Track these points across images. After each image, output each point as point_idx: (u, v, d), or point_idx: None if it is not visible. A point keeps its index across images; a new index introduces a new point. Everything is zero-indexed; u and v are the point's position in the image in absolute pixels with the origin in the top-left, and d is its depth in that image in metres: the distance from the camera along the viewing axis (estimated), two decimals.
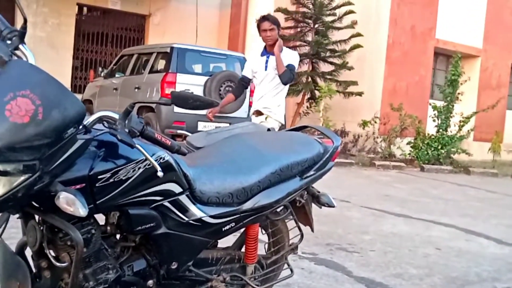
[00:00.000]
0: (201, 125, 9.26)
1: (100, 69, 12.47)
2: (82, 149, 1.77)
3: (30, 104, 1.61)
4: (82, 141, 1.75)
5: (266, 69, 5.20)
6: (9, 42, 1.88)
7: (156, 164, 1.88)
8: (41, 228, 1.87)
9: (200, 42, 14.70)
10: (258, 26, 5.25)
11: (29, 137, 1.59)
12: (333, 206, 2.66)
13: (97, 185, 1.83)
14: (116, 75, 10.91)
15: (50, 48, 13.07)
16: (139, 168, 1.93)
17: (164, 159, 2.01)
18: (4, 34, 1.90)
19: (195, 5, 15.65)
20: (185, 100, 1.97)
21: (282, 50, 5.17)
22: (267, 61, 5.21)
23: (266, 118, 5.23)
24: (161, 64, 9.83)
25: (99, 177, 1.83)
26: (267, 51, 5.24)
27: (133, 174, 1.91)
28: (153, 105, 9.18)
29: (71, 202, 1.68)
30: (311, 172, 2.51)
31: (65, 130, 1.66)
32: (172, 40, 12.67)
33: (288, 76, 5.10)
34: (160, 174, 1.88)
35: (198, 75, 9.55)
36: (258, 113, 5.33)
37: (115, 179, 1.87)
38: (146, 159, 1.90)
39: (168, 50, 9.50)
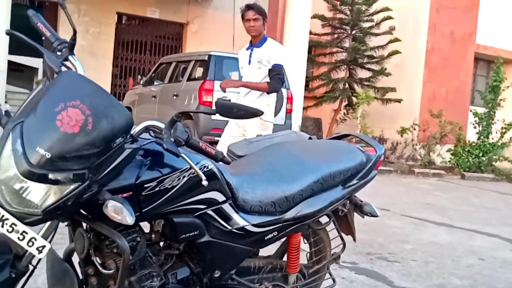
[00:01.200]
0: None
1: (139, 77, 12.66)
2: (130, 158, 1.79)
3: (80, 114, 1.64)
4: (129, 150, 1.78)
5: (249, 63, 4.72)
6: (59, 53, 1.93)
7: (200, 173, 1.89)
8: (89, 235, 1.91)
9: (236, 49, 14.77)
10: (242, 16, 4.80)
11: (79, 146, 1.62)
12: (377, 216, 2.63)
13: (143, 193, 1.85)
14: (155, 83, 11.06)
15: (90, 57, 13.34)
16: (183, 177, 1.94)
17: (208, 167, 2.02)
18: (54, 46, 1.95)
19: (232, 13, 15.74)
20: (229, 109, 1.98)
21: (265, 42, 4.69)
22: (251, 55, 4.73)
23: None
24: (199, 71, 9.92)
25: (146, 185, 1.85)
26: (252, 43, 4.78)
27: (178, 183, 1.93)
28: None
29: (118, 211, 1.71)
30: (354, 181, 2.49)
31: (114, 140, 1.69)
32: (209, 47, 12.76)
33: (274, 86, 4.64)
34: (205, 183, 1.89)
35: None
36: None
37: (161, 188, 1.89)
38: (191, 168, 1.92)
39: (206, 58, 9.58)
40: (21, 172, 1.60)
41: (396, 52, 13.21)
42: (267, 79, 4.68)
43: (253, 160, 2.48)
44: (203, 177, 1.89)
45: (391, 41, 13.39)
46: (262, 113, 2.04)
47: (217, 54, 9.56)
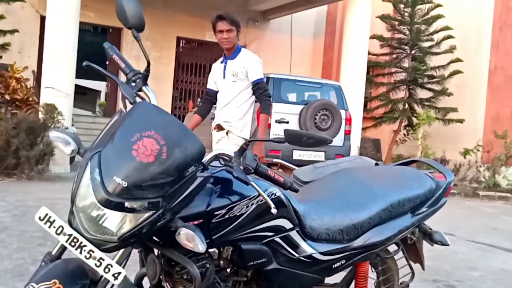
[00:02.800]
0: (296, 154, 9.28)
1: (198, 99, 12.91)
2: (201, 186, 1.82)
3: (155, 144, 1.69)
4: (201, 179, 1.80)
5: (224, 77, 4.37)
6: (133, 84, 1.99)
7: (269, 200, 1.90)
8: (160, 261, 1.94)
9: (294, 70, 14.86)
10: (214, 27, 4.39)
11: (154, 175, 1.66)
12: (447, 245, 2.55)
13: (213, 221, 1.88)
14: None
15: (152, 80, 13.50)
16: (252, 204, 1.95)
17: (275, 195, 2.02)
18: (129, 77, 2.02)
19: (289, 35, 15.89)
20: (298, 138, 1.98)
21: (239, 53, 4.36)
22: (225, 68, 4.38)
23: (227, 133, 4.43)
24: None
25: (216, 213, 1.88)
26: (226, 56, 4.42)
27: (247, 210, 1.94)
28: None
29: (191, 238, 1.73)
30: (423, 209, 2.43)
31: (186, 169, 1.73)
32: (267, 69, 12.84)
33: (266, 108, 4.33)
34: (274, 211, 1.89)
35: (293, 104, 9.61)
36: (219, 127, 4.52)
37: (230, 215, 1.91)
38: (259, 195, 1.92)
39: (264, 80, 9.64)
40: (99, 200, 1.65)
41: (457, 72, 12.92)
42: (245, 96, 4.34)
43: (320, 186, 2.47)
44: (272, 205, 1.89)
45: (452, 61, 13.11)
46: (331, 140, 2.03)
47: (275, 76, 9.63)
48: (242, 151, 1.91)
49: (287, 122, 9.23)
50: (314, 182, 2.53)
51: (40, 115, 8.60)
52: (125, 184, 1.64)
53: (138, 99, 1.94)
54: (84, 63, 2.04)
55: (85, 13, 10.48)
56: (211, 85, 4.60)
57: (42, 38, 12.75)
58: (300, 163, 9.17)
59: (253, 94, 4.32)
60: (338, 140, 9.48)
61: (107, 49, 2.08)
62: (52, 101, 8.91)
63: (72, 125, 9.70)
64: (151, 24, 14.15)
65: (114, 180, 1.64)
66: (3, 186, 7.29)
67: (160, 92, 13.65)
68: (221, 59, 4.50)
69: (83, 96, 23.45)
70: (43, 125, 8.28)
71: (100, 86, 31.34)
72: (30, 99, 9.22)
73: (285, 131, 1.98)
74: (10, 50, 10.58)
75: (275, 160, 9.13)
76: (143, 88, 1.99)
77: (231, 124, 4.37)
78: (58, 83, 9.23)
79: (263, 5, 15.25)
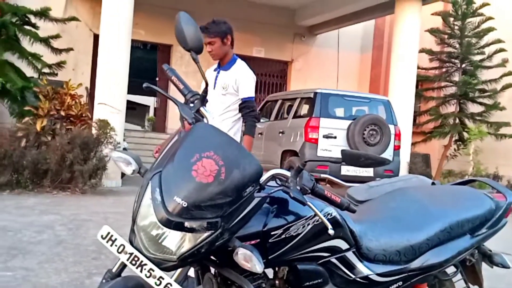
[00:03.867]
0: (344, 169, 9.20)
1: None
2: (259, 206, 1.83)
3: (214, 164, 1.71)
4: (258, 199, 1.82)
5: (214, 87, 3.97)
6: (191, 105, 2.03)
7: (327, 221, 1.89)
8: (217, 280, 1.96)
9: (341, 85, 14.80)
10: None
11: (213, 196, 1.69)
12: (508, 267, 2.47)
13: (270, 240, 1.88)
14: (262, 120, 11.27)
15: None
16: (308, 225, 1.95)
17: (331, 215, 2.01)
18: (187, 98, 2.06)
19: (336, 50, 15.86)
20: (356, 158, 1.97)
21: (234, 64, 3.94)
22: (216, 77, 3.99)
23: None
24: (304, 109, 10.00)
25: (272, 233, 1.88)
26: (220, 65, 4.02)
27: (303, 230, 1.94)
28: (297, 149, 9.33)
29: (248, 259, 1.74)
30: (483, 230, 2.37)
31: (245, 189, 1.74)
32: (314, 84, 12.87)
33: (251, 131, 3.85)
34: (331, 232, 1.88)
35: (341, 119, 9.55)
36: None
37: (286, 235, 1.91)
38: (315, 215, 1.92)
39: (312, 95, 9.64)
40: (160, 219, 1.69)
41: (510, 86, 12.56)
42: (233, 109, 3.94)
43: (375, 206, 2.44)
44: (329, 226, 1.88)
45: (504, 74, 12.77)
46: (389, 161, 2.01)
47: (322, 91, 9.59)
48: (298, 171, 1.92)
49: (335, 137, 9.18)
50: (370, 202, 2.51)
51: (94, 131, 8.83)
52: (185, 204, 1.67)
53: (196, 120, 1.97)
54: (144, 85, 2.10)
55: (136, 31, 10.76)
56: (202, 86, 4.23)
57: (95, 56, 13.16)
58: (348, 179, 9.09)
59: (239, 111, 3.90)
60: (387, 156, 9.34)
61: (166, 70, 2.13)
62: (105, 117, 9.15)
63: (124, 140, 9.93)
64: None
65: (174, 200, 1.67)
66: (58, 200, 7.51)
67: None
68: (215, 66, 4.08)
69: (132, 111, 23.96)
70: (97, 140, 8.50)
71: (148, 101, 32.02)
72: (84, 115, 9.47)
73: (342, 151, 1.97)
74: (65, 67, 10.93)
75: (322, 175, 9.08)
76: (201, 108, 2.02)
77: None
78: (111, 100, 9.49)
79: (309, 20, 15.29)
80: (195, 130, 1.85)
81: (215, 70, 4.03)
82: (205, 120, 2.00)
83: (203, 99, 2.04)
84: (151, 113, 32.52)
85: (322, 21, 15.22)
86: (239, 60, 3.96)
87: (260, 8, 14.76)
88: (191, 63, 14.63)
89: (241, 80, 3.86)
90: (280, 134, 10.04)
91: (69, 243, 5.00)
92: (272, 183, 1.95)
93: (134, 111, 26.12)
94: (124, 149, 9.89)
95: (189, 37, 2.01)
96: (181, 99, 2.08)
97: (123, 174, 10.00)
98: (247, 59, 15.27)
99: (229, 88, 3.87)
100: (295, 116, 9.99)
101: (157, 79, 16.44)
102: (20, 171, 7.90)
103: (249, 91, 3.88)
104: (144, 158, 11.81)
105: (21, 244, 4.75)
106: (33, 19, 10.40)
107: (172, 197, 1.68)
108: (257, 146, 10.74)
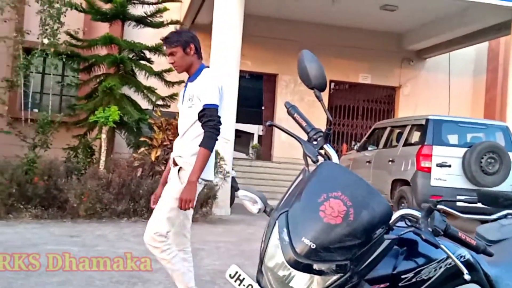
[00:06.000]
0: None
1: (353, 142, 12.88)
2: (388, 248, 1.75)
3: (341, 205, 1.66)
4: (388, 241, 1.74)
5: (182, 102, 3.60)
6: (315, 142, 2.01)
7: (462, 266, 1.76)
8: None
9: (453, 111, 14.21)
10: None
11: (342, 237, 1.64)
12: None
13: (400, 284, 1.79)
14: (369, 148, 11.07)
15: None
16: (440, 268, 1.84)
17: (465, 257, 1.89)
18: (310, 135, 2.04)
19: (447, 74, 15.30)
20: (494, 199, 1.84)
21: (200, 73, 3.54)
22: (184, 91, 3.60)
23: (178, 170, 3.47)
24: (415, 136, 9.68)
25: (402, 276, 1.79)
26: (188, 77, 3.64)
27: (435, 274, 1.83)
28: (408, 178, 9.01)
29: None
30: None
31: (374, 231, 1.68)
32: (424, 110, 12.46)
33: (207, 143, 3.33)
34: (467, 277, 1.75)
35: (455, 147, 9.10)
36: (174, 163, 3.56)
37: (417, 279, 1.81)
38: (448, 258, 1.81)
39: (423, 122, 9.31)
40: (288, 260, 1.66)
41: None
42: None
43: (510, 247, 2.26)
44: (465, 270, 1.76)
45: None
46: None
47: (435, 118, 9.23)
48: (429, 211, 1.82)
49: (449, 166, 8.75)
50: (504, 242, 2.33)
51: None
52: (313, 245, 1.63)
53: (320, 158, 1.95)
54: (268, 123, 2.12)
55: (243, 61, 11.05)
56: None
57: None
58: (465, 210, 8.60)
59: (199, 120, 3.43)
60: (507, 186, 8.76)
61: (288, 108, 2.13)
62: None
63: (232, 169, 10.13)
64: None
65: (302, 241, 1.64)
66: None
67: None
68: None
69: (237, 139, 24.50)
70: None
71: (253, 128, 32.68)
72: None
73: (478, 191, 1.85)
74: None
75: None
76: (325, 146, 1.99)
77: (184, 159, 3.45)
78: (221, 130, 9.74)
79: (418, 44, 14.90)
80: (321, 169, 1.82)
81: (185, 84, 3.67)
82: (329, 158, 1.97)
83: (327, 137, 2.01)
84: (255, 140, 33.14)
85: (431, 45, 14.77)
86: (206, 70, 3.57)
87: (365, 34, 14.63)
88: (296, 92, 14.82)
89: (203, 87, 3.45)
90: (390, 163, 9.76)
91: None
92: (401, 223, 1.87)
93: (239, 139, 26.70)
94: (233, 178, 10.08)
95: (312, 74, 2.00)
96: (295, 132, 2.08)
97: (231, 202, 10.18)
98: (353, 86, 15.29)
99: (194, 99, 3.46)
100: (405, 144, 9.69)
101: (262, 108, 16.75)
102: (137, 200, 8.29)
103: (211, 98, 3.40)
104: (250, 186, 11.96)
105: (140, 273, 4.94)
106: (147, 54, 11.03)
107: (300, 238, 1.65)
108: (365, 175, 10.51)
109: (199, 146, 3.33)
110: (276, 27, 14.32)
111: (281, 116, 14.87)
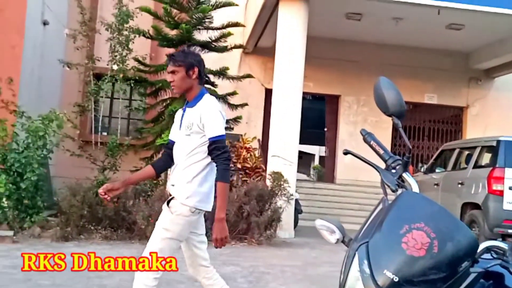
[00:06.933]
0: None
1: (419, 164, 12.56)
2: (474, 282, 1.68)
3: (425, 237, 1.61)
4: (474, 274, 1.67)
5: (180, 128, 3.46)
6: (393, 171, 1.96)
7: None
8: None
9: None
10: None
11: (426, 270, 1.58)
12: None
13: None
14: (437, 170, 10.76)
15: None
16: None
17: None
18: (388, 163, 2.00)
19: None
20: None
21: (201, 99, 3.38)
22: (182, 116, 3.47)
23: (169, 201, 3.34)
24: (486, 158, 9.33)
25: None
26: (187, 102, 3.50)
27: None
28: (479, 202, 8.68)
29: None
30: None
31: (459, 264, 1.61)
32: (494, 131, 12.05)
33: (224, 176, 3.23)
34: None
35: None
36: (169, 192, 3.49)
37: None
38: None
39: (494, 143, 8.98)
40: None
41: None
42: (198, 154, 3.35)
43: None
44: None
45: None
46: None
47: (507, 139, 8.89)
48: None
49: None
50: None
51: (268, 183, 9.11)
52: (396, 278, 1.58)
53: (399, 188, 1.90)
54: (344, 151, 2.10)
55: (305, 83, 11.04)
56: (172, 135, 3.63)
57: (266, 109, 13.75)
58: None
59: (209, 154, 3.33)
60: None
61: (364, 135, 2.10)
62: (278, 168, 9.42)
63: (296, 191, 10.09)
64: (368, 91, 14.34)
65: (384, 273, 1.60)
66: (237, 250, 7.80)
67: (377, 158, 13.56)
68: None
69: (298, 160, 24.45)
70: (271, 192, 8.75)
71: (313, 149, 32.52)
72: (258, 167, 9.86)
73: None
74: (240, 121, 11.53)
75: (510, 231, 8.33)
76: (404, 175, 1.94)
77: (178, 189, 3.32)
78: (283, 152, 9.77)
79: (486, 63, 14.44)
80: (402, 199, 1.77)
81: (183, 109, 3.54)
82: (408, 187, 1.92)
83: (406, 165, 1.96)
84: (316, 161, 32.93)
85: (500, 64, 14.27)
86: (206, 95, 3.42)
87: (430, 53, 14.33)
88: (359, 113, 14.66)
89: (206, 117, 3.30)
90: (459, 186, 9.44)
91: None
92: (486, 255, 1.79)
93: (300, 159, 26.61)
94: (296, 200, 10.03)
95: (390, 102, 1.96)
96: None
97: (295, 225, 10.12)
98: (418, 106, 15.02)
99: (193, 127, 3.33)
100: (475, 166, 9.36)
101: (325, 129, 16.64)
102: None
103: (217, 129, 3.29)
104: (314, 208, 11.87)
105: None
106: (211, 78, 11.23)
107: (381, 270, 1.61)
108: (433, 198, 10.17)
109: (216, 180, 3.26)
110: (338, 48, 14.26)
111: (343, 137, 14.73)
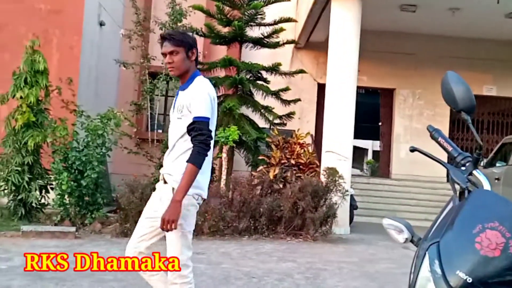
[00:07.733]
0: None
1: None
2: None
3: (500, 236, 1.56)
4: None
5: (173, 111, 3.30)
6: (463, 168, 1.90)
7: None
8: None
9: None
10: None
11: (501, 271, 1.53)
12: None
13: None
14: (497, 164, 10.41)
15: (426, 138, 13.43)
16: None
17: None
18: (457, 160, 1.94)
19: None
20: None
21: (193, 81, 3.21)
22: (175, 99, 3.31)
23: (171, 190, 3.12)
24: None
25: None
26: (180, 84, 3.35)
27: None
28: None
29: None
30: None
31: None
32: None
33: (195, 158, 2.99)
34: None
35: None
36: (164, 179, 3.25)
37: None
38: None
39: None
40: None
41: None
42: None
43: None
44: None
45: None
46: None
47: None
48: None
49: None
50: None
51: (322, 178, 9.05)
52: (469, 279, 1.54)
53: (469, 184, 1.85)
54: (410, 148, 2.06)
55: (359, 77, 10.89)
56: None
57: (319, 104, 13.66)
58: None
59: (188, 133, 3.14)
60: None
61: (431, 132, 2.05)
62: (332, 164, 9.34)
63: (351, 186, 9.98)
64: (423, 84, 14.02)
65: (457, 274, 1.55)
66: (292, 246, 7.80)
67: (433, 151, 13.25)
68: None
69: (352, 154, 24.23)
70: (326, 188, 8.68)
71: (367, 144, 32.09)
72: (312, 163, 9.79)
73: None
74: (293, 117, 11.50)
75: None
76: (474, 172, 1.88)
77: (175, 178, 3.12)
78: (338, 147, 9.68)
79: None
80: (474, 198, 1.72)
81: (177, 93, 3.39)
82: (479, 184, 1.86)
83: (476, 162, 1.90)
84: (369, 156, 32.48)
85: None
86: (198, 78, 3.26)
87: (488, 44, 13.84)
88: (415, 106, 14.36)
89: (193, 97, 3.15)
90: None
91: None
92: None
93: (353, 154, 26.34)
94: (352, 196, 9.93)
95: (459, 97, 1.89)
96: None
97: (351, 221, 10.02)
98: (477, 98, 14.48)
99: (184, 110, 3.18)
100: None
101: (379, 123, 16.38)
102: (257, 218, 8.41)
103: (201, 110, 3.08)
104: (370, 204, 11.73)
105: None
106: (264, 74, 11.25)
107: (454, 271, 1.56)
108: None
109: (187, 162, 3.02)
110: (392, 41, 13.99)
111: (399, 131, 14.46)
